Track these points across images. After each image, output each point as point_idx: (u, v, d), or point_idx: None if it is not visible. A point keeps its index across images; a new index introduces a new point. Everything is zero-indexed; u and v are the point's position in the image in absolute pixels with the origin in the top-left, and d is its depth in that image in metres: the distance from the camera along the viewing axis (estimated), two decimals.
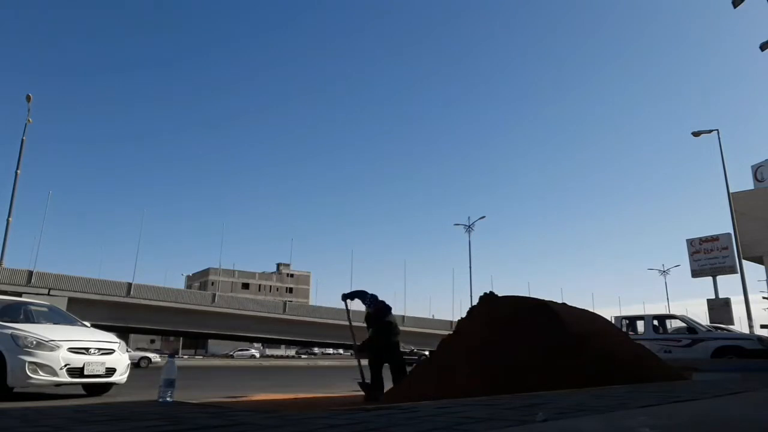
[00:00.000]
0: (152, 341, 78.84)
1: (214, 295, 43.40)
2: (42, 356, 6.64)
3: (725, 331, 14.34)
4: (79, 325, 8.14)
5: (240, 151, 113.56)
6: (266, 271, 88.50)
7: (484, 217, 47.62)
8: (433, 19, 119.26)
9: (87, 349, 7.14)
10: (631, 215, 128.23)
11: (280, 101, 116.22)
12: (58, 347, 6.82)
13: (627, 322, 13.89)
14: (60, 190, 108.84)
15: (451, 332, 6.53)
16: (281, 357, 63.28)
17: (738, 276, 21.82)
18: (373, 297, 7.40)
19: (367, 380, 7.04)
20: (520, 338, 5.44)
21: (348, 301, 7.55)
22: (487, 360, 5.30)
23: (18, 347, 6.57)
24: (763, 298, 30.45)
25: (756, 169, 22.93)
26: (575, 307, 6.64)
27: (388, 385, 6.78)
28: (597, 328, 6.23)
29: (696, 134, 23.04)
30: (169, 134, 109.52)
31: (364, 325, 7.37)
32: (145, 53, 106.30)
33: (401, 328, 7.74)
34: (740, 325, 24.97)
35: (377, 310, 7.26)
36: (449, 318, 52.28)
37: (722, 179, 21.77)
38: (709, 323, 18.07)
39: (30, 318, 7.89)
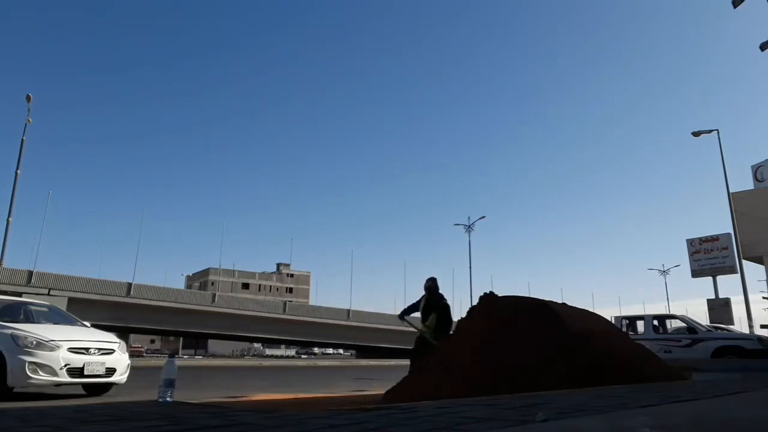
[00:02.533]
0: (152, 341, 78.97)
1: (214, 295, 43.41)
2: (42, 356, 6.64)
3: (725, 331, 14.34)
4: (79, 325, 8.14)
5: (240, 151, 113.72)
6: (266, 271, 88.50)
7: (484, 217, 47.56)
8: (433, 19, 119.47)
9: (87, 349, 7.13)
10: (631, 215, 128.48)
11: (280, 101, 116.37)
12: (58, 347, 6.82)
13: (627, 322, 13.89)
14: (60, 190, 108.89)
15: (451, 332, 6.53)
16: (281, 357, 63.26)
17: (738, 276, 21.82)
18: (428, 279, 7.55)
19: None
20: (520, 338, 5.44)
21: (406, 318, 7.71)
22: (487, 360, 5.29)
23: (18, 347, 6.57)
24: (763, 298, 30.48)
25: (756, 169, 22.92)
26: (575, 307, 6.64)
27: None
28: (597, 328, 6.22)
29: (696, 134, 23.04)
30: (169, 134, 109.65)
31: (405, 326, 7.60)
32: (145, 53, 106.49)
33: (402, 328, 7.84)
34: (740, 325, 24.98)
35: (432, 286, 7.38)
36: None
37: (722, 179, 21.78)
38: (709, 323, 18.07)
39: (30, 318, 7.89)
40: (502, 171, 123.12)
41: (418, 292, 7.84)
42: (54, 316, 8.29)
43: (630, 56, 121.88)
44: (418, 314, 7.58)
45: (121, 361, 7.53)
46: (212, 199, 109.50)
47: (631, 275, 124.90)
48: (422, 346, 7.12)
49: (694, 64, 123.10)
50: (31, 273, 33.28)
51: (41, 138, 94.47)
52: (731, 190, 21.72)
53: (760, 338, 12.68)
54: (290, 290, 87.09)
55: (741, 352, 11.39)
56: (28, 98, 25.07)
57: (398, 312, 7.92)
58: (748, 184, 23.29)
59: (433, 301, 7.31)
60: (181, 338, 68.18)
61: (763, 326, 21.41)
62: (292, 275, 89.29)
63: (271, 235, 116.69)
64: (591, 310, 7.45)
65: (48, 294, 31.77)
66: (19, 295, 23.11)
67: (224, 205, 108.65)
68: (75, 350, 6.98)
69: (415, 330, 7.47)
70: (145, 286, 38.78)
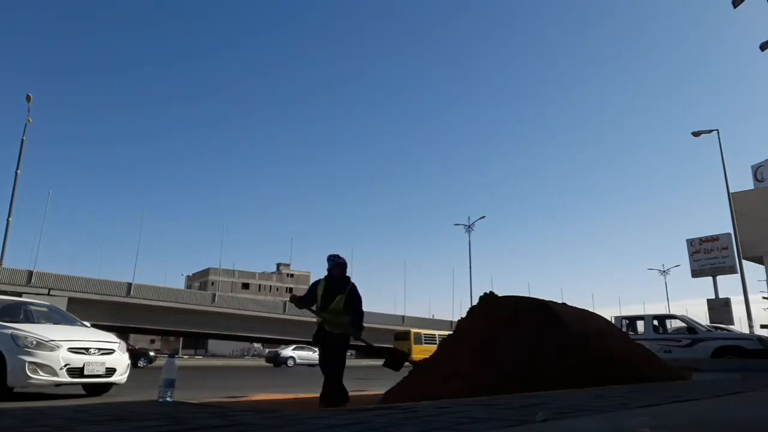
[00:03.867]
0: (152, 341, 78.91)
1: (214, 295, 43.40)
2: (42, 356, 6.64)
3: (725, 331, 14.34)
4: (79, 325, 8.14)
5: (240, 151, 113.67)
6: (266, 271, 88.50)
7: (484, 217, 47.62)
8: (433, 19, 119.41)
9: (87, 349, 7.13)
10: (631, 215, 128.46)
11: (280, 101, 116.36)
12: (58, 347, 6.82)
13: (627, 322, 13.89)
14: (60, 190, 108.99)
15: (451, 332, 6.52)
16: None
17: (738, 276, 21.84)
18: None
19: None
20: (520, 338, 5.44)
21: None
22: (487, 360, 5.29)
23: (18, 347, 6.57)
24: (763, 298, 30.52)
25: (756, 169, 22.93)
26: (575, 307, 6.64)
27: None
28: (597, 328, 6.23)
29: (696, 134, 23.05)
30: (169, 134, 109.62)
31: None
32: (145, 53, 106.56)
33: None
34: (740, 325, 24.98)
35: (339, 268, 5.99)
36: (449, 318, 52.27)
37: (722, 179, 21.80)
38: (709, 323, 18.07)
39: (30, 318, 7.89)
40: (502, 171, 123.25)
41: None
42: (54, 316, 8.29)
43: (630, 56, 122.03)
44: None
45: (121, 361, 7.53)
46: (212, 199, 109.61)
47: (631, 275, 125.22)
48: (322, 337, 5.75)
49: (694, 64, 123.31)
50: (31, 273, 33.25)
51: (41, 138, 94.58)
52: (731, 190, 21.74)
53: (760, 338, 12.68)
54: (290, 290, 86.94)
55: (741, 352, 11.39)
56: (28, 98, 25.09)
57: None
58: (748, 184, 23.34)
59: (339, 283, 5.90)
60: (181, 338, 68.16)
61: (763, 326, 21.45)
62: (292, 275, 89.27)
63: (271, 235, 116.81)
64: (591, 310, 7.45)
65: (48, 294, 31.72)
66: (19, 295, 23.10)
67: (224, 205, 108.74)
68: (75, 350, 6.98)
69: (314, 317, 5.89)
70: (145, 286, 38.76)
